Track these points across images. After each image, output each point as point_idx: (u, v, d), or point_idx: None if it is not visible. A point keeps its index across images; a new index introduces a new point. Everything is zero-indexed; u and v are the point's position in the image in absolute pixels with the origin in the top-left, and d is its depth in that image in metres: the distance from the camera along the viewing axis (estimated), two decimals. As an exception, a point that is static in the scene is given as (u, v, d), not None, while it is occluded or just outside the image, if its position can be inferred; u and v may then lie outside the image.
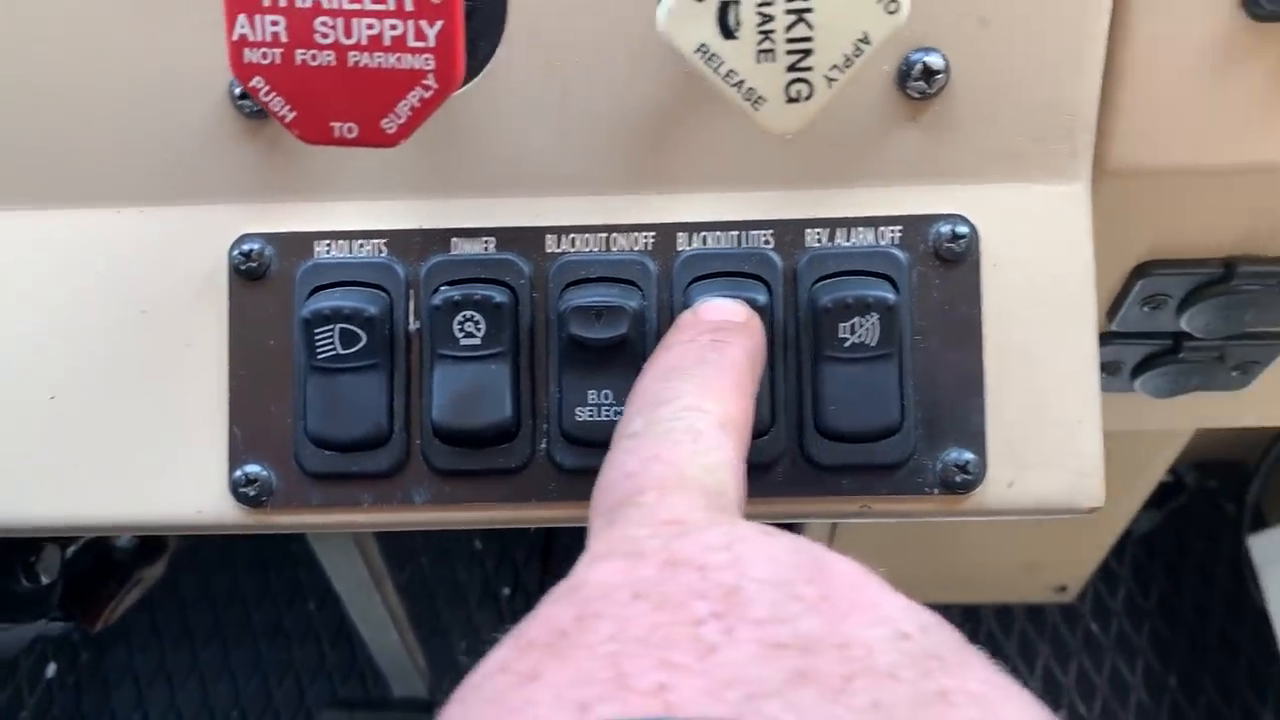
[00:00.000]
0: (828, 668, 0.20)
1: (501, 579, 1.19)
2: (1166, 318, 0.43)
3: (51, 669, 1.16)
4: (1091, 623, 1.13)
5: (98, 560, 0.64)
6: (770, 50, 0.27)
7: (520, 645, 0.22)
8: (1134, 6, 0.34)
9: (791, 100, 0.28)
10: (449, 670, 1.14)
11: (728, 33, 0.27)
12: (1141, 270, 0.41)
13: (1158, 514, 1.06)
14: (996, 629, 1.12)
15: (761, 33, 0.27)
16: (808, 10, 0.27)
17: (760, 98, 0.28)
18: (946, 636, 0.22)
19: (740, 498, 0.27)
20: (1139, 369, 0.47)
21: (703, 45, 0.27)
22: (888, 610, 0.22)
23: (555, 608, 0.22)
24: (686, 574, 0.22)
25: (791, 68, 0.27)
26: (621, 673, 0.20)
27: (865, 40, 0.27)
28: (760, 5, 0.27)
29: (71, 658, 1.17)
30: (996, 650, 1.12)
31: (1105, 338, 0.46)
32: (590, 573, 0.23)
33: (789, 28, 0.27)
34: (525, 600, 1.18)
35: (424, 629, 1.13)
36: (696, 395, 0.28)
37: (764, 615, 0.21)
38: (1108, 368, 0.47)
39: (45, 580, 0.53)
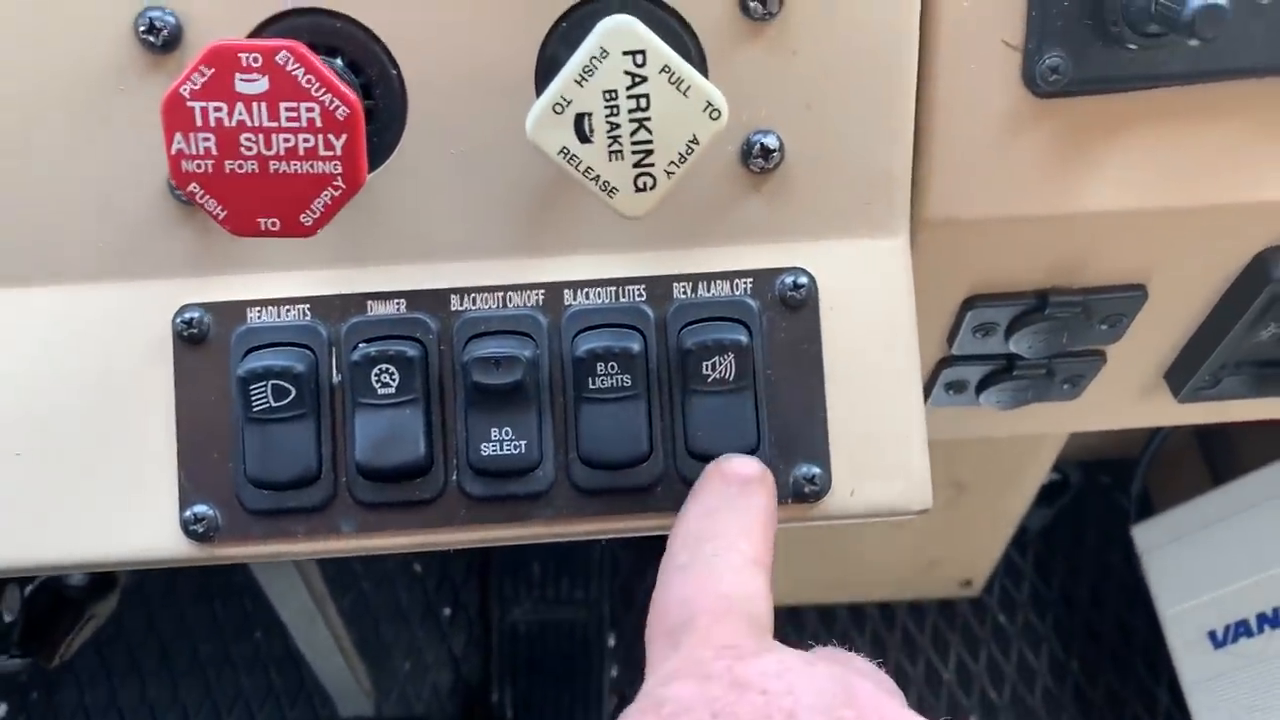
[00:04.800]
0: None
1: (442, 599, 1.24)
2: (996, 342, 0.50)
3: (2, 709, 1.19)
4: (999, 615, 1.20)
5: (52, 599, 0.68)
6: (619, 151, 0.33)
7: None
8: (936, 85, 0.40)
9: (639, 190, 0.34)
10: (393, 688, 1.18)
11: (584, 138, 0.33)
12: (969, 303, 0.48)
13: (1049, 511, 1.14)
14: (910, 623, 1.19)
15: (610, 138, 0.33)
16: (647, 120, 0.33)
17: (614, 188, 0.34)
18: None
19: (771, 621, 0.33)
20: (981, 386, 0.53)
21: (564, 148, 0.33)
22: None
23: (643, 718, 0.28)
24: (751, 696, 0.28)
25: (637, 165, 0.33)
26: None
27: (695, 141, 0.33)
28: (608, 116, 0.33)
29: (22, 698, 1.20)
30: (911, 643, 1.19)
31: (948, 361, 0.52)
32: (667, 690, 0.29)
33: (633, 133, 0.33)
34: (465, 619, 1.23)
35: (368, 650, 1.17)
36: (733, 536, 0.34)
37: None
38: (955, 386, 0.54)
39: (7, 618, 0.57)
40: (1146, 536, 1.04)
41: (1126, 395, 0.56)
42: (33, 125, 0.39)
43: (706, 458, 0.40)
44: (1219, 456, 1.12)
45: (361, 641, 1.16)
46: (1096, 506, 1.22)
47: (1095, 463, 1.21)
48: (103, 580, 0.71)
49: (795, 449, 0.41)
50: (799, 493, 0.41)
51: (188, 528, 0.40)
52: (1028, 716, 1.16)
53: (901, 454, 0.41)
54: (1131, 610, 1.20)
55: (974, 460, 0.89)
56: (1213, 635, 0.96)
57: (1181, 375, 0.53)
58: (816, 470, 0.41)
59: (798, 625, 1.17)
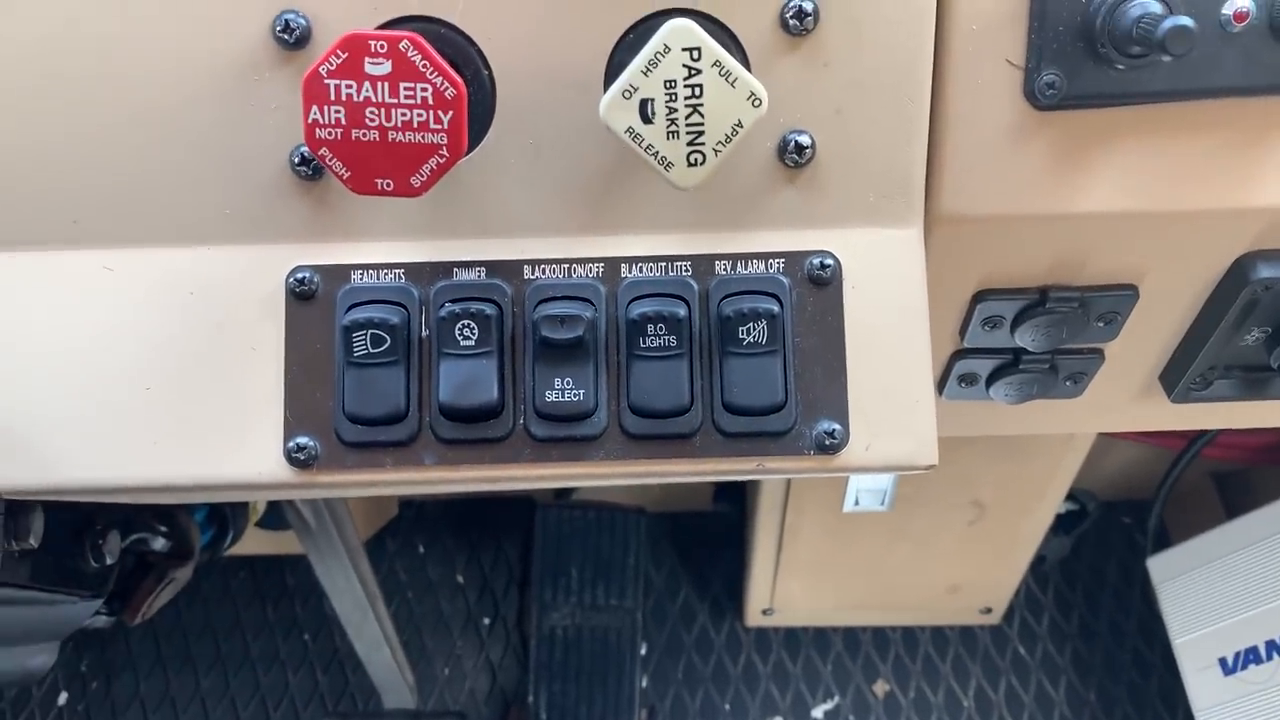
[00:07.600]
0: None
1: (482, 610, 1.29)
2: (1004, 336, 0.56)
3: (63, 698, 1.25)
4: (1019, 645, 1.24)
5: (138, 560, 0.75)
6: (675, 131, 0.40)
7: None
8: (948, 97, 0.47)
9: (691, 165, 0.40)
10: (432, 693, 1.23)
11: (646, 119, 0.40)
12: (979, 297, 0.54)
13: (1067, 540, 1.18)
14: (933, 651, 1.23)
15: (669, 120, 0.40)
16: (700, 105, 0.39)
17: (670, 163, 0.40)
18: None
19: None
20: (991, 380, 0.59)
21: (630, 128, 0.40)
22: None
23: None
24: None
25: (690, 143, 0.40)
26: None
27: (739, 124, 0.40)
28: (668, 101, 0.39)
29: (82, 687, 1.26)
30: (933, 670, 1.22)
31: (960, 354, 0.58)
32: None
33: (688, 117, 0.40)
34: (504, 630, 1.28)
35: (410, 657, 1.23)
36: None
37: None
38: (967, 379, 0.59)
39: (109, 561, 0.63)
40: (1161, 568, 1.08)
41: (1125, 396, 0.61)
42: (182, 112, 0.47)
43: (740, 411, 0.46)
44: (1234, 496, 1.16)
45: (404, 648, 1.22)
46: (1116, 544, 1.26)
47: (1116, 503, 1.25)
48: (182, 547, 0.77)
49: (818, 407, 0.47)
50: (820, 445, 0.47)
51: (291, 456, 0.47)
52: (1045, 746, 1.19)
53: (912, 416, 0.47)
54: (1149, 646, 1.23)
55: (994, 481, 0.94)
56: (1223, 662, 1.00)
57: (1174, 375, 0.58)
58: (836, 426, 0.46)
59: (822, 648, 1.21)
